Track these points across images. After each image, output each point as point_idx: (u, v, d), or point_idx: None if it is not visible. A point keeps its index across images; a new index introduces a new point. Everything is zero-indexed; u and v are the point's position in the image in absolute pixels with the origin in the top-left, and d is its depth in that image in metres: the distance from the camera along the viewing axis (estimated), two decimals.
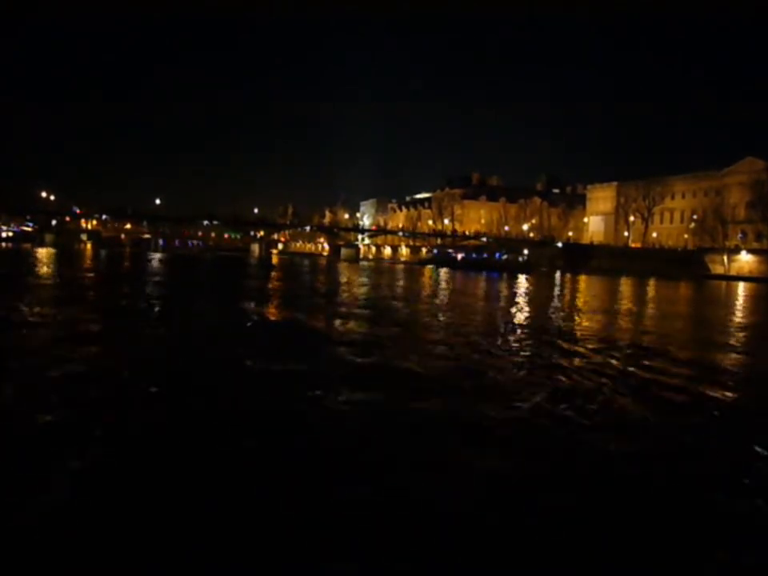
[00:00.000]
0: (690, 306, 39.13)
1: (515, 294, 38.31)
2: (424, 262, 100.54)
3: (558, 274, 75.79)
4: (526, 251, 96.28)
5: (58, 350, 12.02)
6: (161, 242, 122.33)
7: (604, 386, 10.58)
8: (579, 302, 34.13)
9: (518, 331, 18.09)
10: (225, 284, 39.61)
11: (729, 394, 10.82)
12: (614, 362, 13.27)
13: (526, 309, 27.83)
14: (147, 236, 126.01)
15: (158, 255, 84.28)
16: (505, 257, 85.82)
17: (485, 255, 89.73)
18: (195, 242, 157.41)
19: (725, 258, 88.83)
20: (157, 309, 21.41)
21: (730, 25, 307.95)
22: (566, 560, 4.64)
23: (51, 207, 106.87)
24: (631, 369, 12.41)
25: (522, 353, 14.07)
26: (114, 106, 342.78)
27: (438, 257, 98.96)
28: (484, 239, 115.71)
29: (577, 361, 13.13)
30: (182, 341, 14.68)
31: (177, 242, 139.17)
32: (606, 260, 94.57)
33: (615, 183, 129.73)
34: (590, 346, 15.49)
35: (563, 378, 11.04)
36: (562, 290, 45.70)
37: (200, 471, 6.01)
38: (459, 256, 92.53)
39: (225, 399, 8.82)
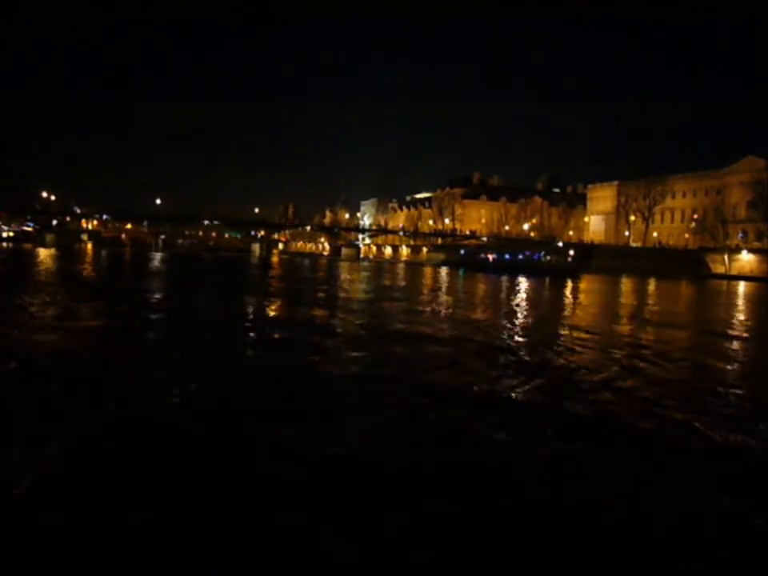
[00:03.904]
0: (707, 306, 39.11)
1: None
2: (447, 263, 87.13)
3: None
4: (571, 252, 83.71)
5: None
6: (161, 241, 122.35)
7: None
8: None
9: None
10: (227, 282, 39.63)
11: None
12: None
13: None
14: (162, 236, 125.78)
15: (158, 255, 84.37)
16: (547, 258, 75.79)
17: (520, 257, 76.77)
18: (195, 242, 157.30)
19: (725, 257, 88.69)
20: (161, 303, 21.47)
21: (730, 24, 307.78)
22: None
23: (52, 207, 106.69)
24: None
25: None
26: (115, 105, 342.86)
27: (466, 257, 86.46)
28: (485, 239, 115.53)
29: None
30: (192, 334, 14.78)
31: (177, 242, 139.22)
32: (606, 260, 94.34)
33: (616, 183, 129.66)
34: None
35: None
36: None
37: None
38: (491, 257, 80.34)
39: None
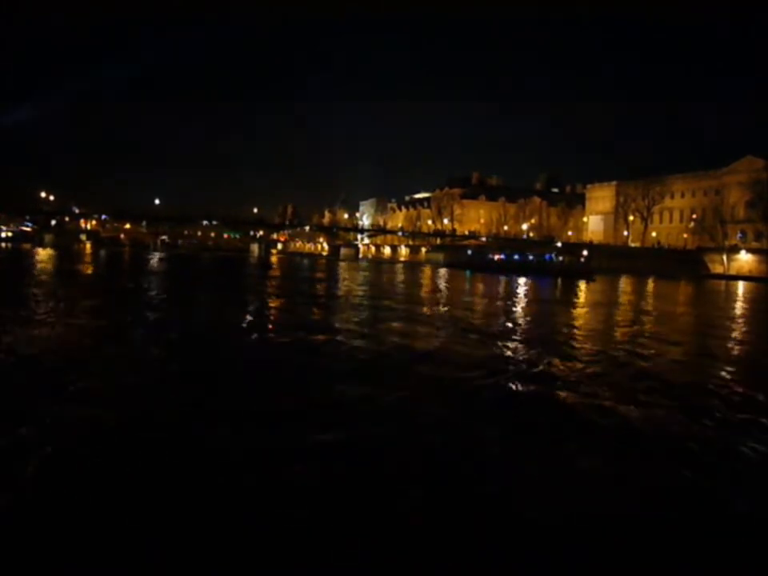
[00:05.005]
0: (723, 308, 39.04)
1: None
2: (451, 264, 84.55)
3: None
4: (585, 252, 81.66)
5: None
6: (160, 241, 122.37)
7: None
8: None
9: None
10: (226, 282, 39.65)
11: None
12: None
13: None
14: (161, 236, 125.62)
15: (157, 255, 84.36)
16: (559, 258, 74.04)
17: (530, 257, 75.19)
18: (194, 242, 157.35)
19: (724, 257, 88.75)
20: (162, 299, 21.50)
21: (730, 24, 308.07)
22: None
23: (51, 207, 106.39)
24: None
25: None
26: (114, 105, 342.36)
27: (473, 258, 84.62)
28: (484, 239, 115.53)
29: None
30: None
31: (176, 242, 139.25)
32: (605, 260, 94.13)
33: (615, 183, 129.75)
34: None
35: None
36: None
37: None
38: (497, 257, 79.58)
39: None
